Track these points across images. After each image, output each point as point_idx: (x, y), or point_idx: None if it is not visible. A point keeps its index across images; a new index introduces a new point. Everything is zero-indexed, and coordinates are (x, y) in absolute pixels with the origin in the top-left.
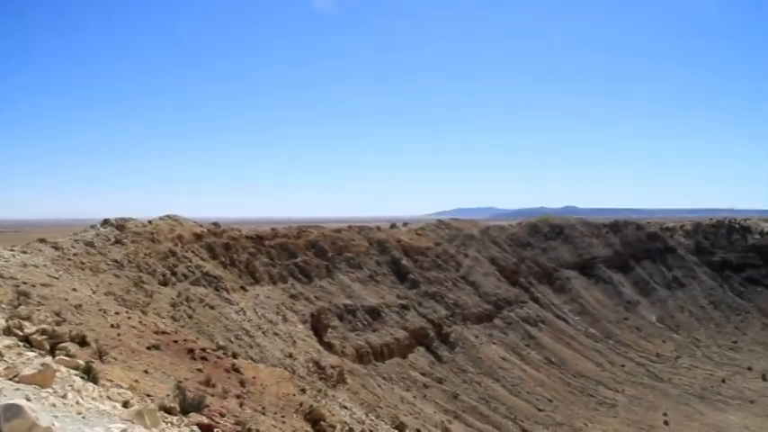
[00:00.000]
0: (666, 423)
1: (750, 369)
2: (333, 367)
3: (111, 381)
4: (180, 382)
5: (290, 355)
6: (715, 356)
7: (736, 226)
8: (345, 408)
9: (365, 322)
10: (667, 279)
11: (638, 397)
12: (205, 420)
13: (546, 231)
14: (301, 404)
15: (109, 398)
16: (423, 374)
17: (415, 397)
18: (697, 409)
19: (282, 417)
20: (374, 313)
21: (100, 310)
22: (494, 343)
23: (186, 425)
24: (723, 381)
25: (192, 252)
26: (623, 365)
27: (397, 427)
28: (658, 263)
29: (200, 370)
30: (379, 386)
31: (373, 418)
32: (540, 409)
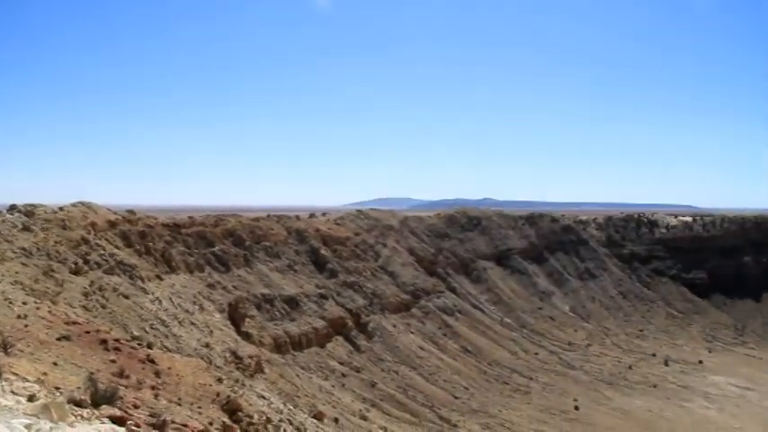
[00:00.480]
0: (577, 408)
1: (654, 355)
2: (250, 357)
3: (16, 374)
4: (92, 373)
5: (207, 345)
6: (623, 344)
7: (645, 220)
8: (263, 398)
9: (283, 312)
10: (580, 270)
11: (551, 384)
12: (118, 413)
13: (463, 223)
14: (218, 394)
15: (13, 392)
16: (341, 364)
17: (333, 386)
18: (605, 394)
19: (199, 407)
20: (292, 303)
21: (5, 300)
22: (411, 332)
23: (98, 418)
24: (630, 367)
25: (106, 240)
26: (537, 353)
27: (315, 417)
28: (571, 255)
29: (113, 361)
30: (298, 376)
31: (291, 407)
32: (456, 397)
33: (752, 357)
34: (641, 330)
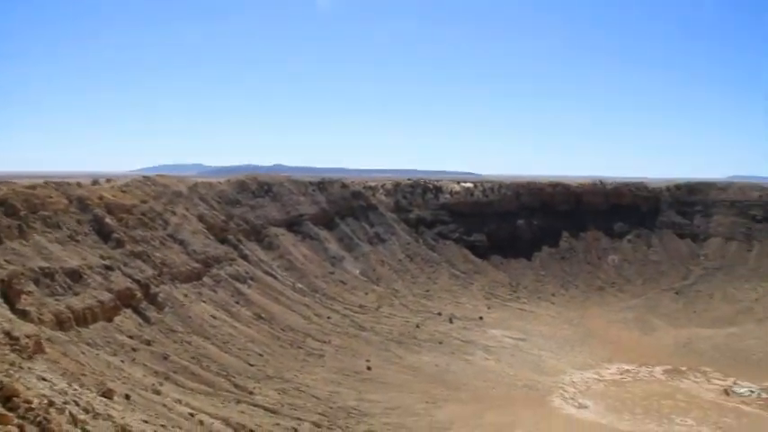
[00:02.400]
0: (369, 368)
1: (440, 314)
2: (28, 337)
3: None
4: None
5: None
6: (411, 305)
7: (431, 186)
8: (44, 380)
9: (65, 286)
10: (369, 235)
11: (344, 346)
12: None
13: (254, 189)
14: None
15: None
16: (130, 337)
17: (122, 361)
18: (396, 353)
19: None
20: (75, 276)
21: None
22: (203, 301)
23: None
24: (417, 326)
25: None
26: (329, 317)
27: (104, 395)
28: (361, 220)
29: None
30: (83, 353)
31: (77, 387)
32: (251, 365)
33: (524, 311)
34: (427, 291)
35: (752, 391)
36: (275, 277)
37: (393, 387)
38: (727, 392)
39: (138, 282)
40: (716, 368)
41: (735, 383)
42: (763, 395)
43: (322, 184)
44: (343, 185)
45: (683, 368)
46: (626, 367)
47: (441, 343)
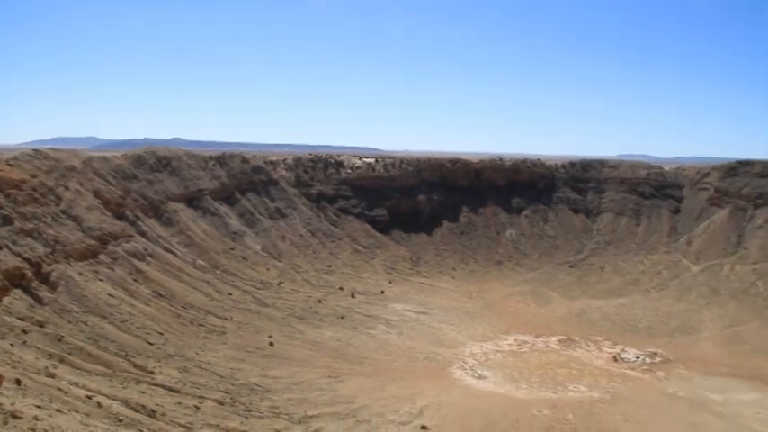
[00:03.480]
0: (272, 344)
1: (342, 289)
2: None
3: None
4: None
5: None
6: (313, 280)
7: (332, 161)
8: None
9: None
10: (270, 210)
11: (246, 322)
12: None
13: (152, 163)
14: None
15: None
16: (21, 319)
17: (12, 345)
18: (298, 328)
19: None
20: None
21: None
22: (100, 280)
23: None
24: (319, 301)
25: None
26: (231, 294)
27: None
28: (262, 195)
29: None
30: None
31: None
32: (151, 343)
33: (425, 285)
34: (329, 266)
35: (638, 357)
36: (175, 254)
37: (296, 362)
38: (615, 359)
39: (28, 261)
40: (606, 337)
41: (623, 351)
42: (648, 360)
43: (222, 159)
44: (244, 160)
45: (577, 338)
46: (523, 338)
47: (343, 318)
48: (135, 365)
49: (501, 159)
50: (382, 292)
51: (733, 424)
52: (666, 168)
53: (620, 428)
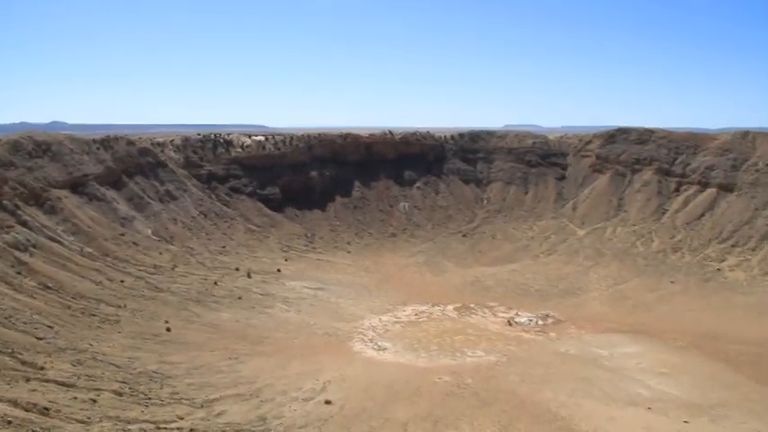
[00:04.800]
0: (169, 330)
1: (237, 269)
2: None
3: None
4: None
5: None
6: (207, 262)
7: (221, 140)
8: None
9: None
10: (160, 193)
11: (141, 309)
12: None
13: (31, 149)
14: None
15: None
16: None
17: None
18: (195, 311)
19: None
20: None
21: None
22: None
23: None
24: (215, 283)
25: None
26: (123, 281)
27: None
28: (151, 178)
29: None
30: None
31: None
32: (39, 338)
33: (321, 261)
34: (224, 247)
35: (531, 320)
36: (61, 243)
37: (194, 346)
38: (510, 323)
39: None
40: (500, 302)
41: (516, 314)
42: (540, 322)
43: (106, 142)
44: (130, 142)
45: (472, 305)
46: (420, 308)
47: (240, 298)
48: (23, 362)
49: (391, 133)
50: (278, 270)
51: (618, 375)
52: (551, 138)
53: (517, 389)
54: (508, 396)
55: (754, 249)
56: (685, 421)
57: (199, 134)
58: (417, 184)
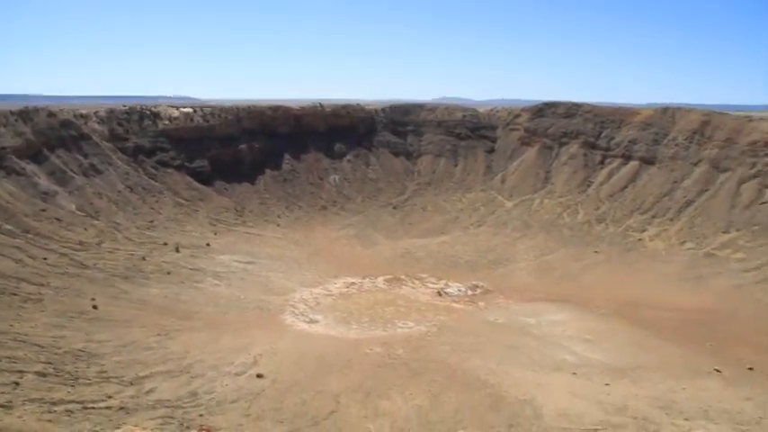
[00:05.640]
0: (95, 307)
1: (166, 244)
2: None
3: None
4: None
5: None
6: (135, 237)
7: (148, 112)
8: None
9: None
10: (84, 167)
11: (65, 287)
12: None
13: None
14: None
15: None
16: None
17: None
18: (122, 288)
19: None
20: None
21: None
22: None
23: None
24: (143, 258)
25: None
26: (46, 258)
27: None
28: (74, 151)
29: None
30: None
31: None
32: None
33: (251, 235)
34: (151, 221)
35: (460, 291)
36: None
37: (122, 323)
38: (440, 294)
39: None
40: (430, 273)
41: (446, 285)
42: (470, 293)
43: (25, 113)
44: (51, 114)
45: (403, 276)
46: (351, 280)
47: (169, 273)
48: None
49: (321, 105)
50: (208, 244)
51: (545, 342)
52: (481, 111)
53: (447, 358)
54: (439, 365)
55: (672, 220)
56: (607, 384)
57: (124, 106)
58: (348, 157)
